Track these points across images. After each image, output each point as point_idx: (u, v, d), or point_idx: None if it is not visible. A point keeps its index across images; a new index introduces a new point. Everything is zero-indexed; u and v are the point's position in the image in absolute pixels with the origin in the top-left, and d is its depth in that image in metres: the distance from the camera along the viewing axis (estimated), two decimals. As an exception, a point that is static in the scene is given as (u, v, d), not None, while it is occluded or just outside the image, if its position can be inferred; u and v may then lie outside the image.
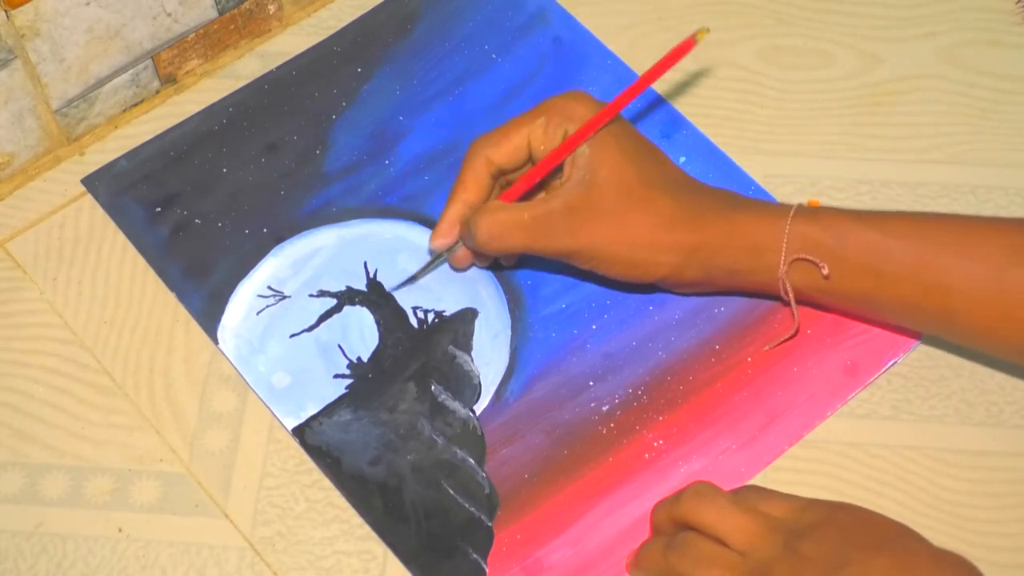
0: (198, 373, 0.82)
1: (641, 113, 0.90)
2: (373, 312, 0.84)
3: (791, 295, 0.79)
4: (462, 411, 0.81)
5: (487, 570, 0.76)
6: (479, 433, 0.80)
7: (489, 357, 0.83)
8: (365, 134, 0.90)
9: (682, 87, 0.92)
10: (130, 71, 0.88)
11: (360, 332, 0.83)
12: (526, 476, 0.79)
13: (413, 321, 0.83)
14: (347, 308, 0.84)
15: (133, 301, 0.84)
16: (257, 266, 0.85)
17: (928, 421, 0.81)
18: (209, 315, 0.83)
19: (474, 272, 0.85)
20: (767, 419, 0.81)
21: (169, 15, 0.87)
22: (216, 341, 0.82)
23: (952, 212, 0.83)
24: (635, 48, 0.93)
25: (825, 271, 0.77)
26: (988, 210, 0.87)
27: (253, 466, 0.80)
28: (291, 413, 0.81)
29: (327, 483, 0.79)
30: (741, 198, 0.81)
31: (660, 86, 0.91)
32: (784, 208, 0.78)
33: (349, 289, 0.85)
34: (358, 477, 0.79)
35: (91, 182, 0.87)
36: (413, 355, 0.82)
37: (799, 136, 0.90)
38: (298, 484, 0.79)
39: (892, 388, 0.82)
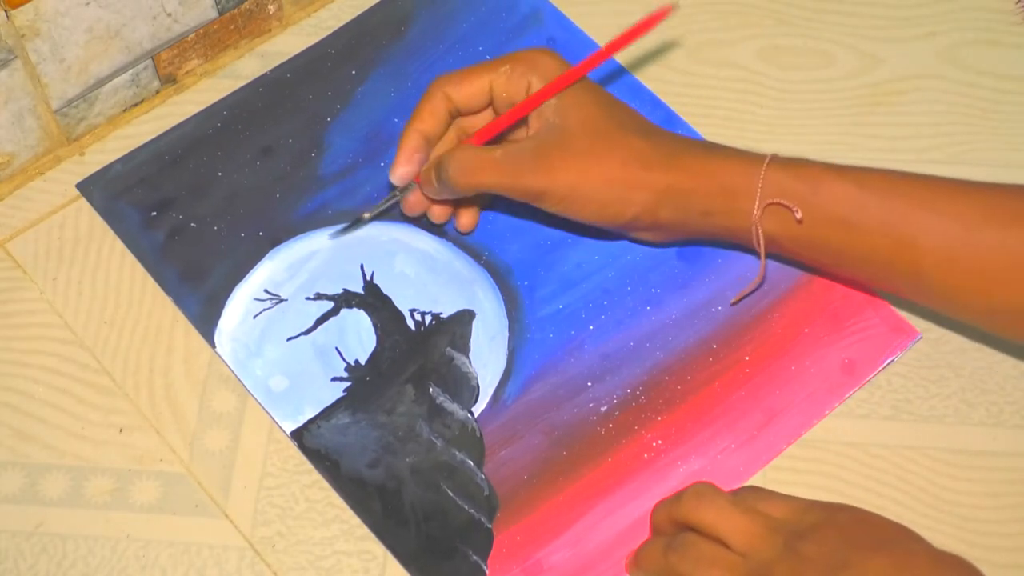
0: (198, 373, 0.82)
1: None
2: (370, 315, 0.84)
3: (762, 242, 0.79)
4: (460, 413, 0.81)
5: (487, 571, 0.76)
6: (478, 435, 0.80)
7: (487, 359, 0.83)
8: (360, 136, 0.90)
9: (682, 87, 0.92)
10: (130, 71, 0.88)
11: (357, 335, 0.83)
12: (525, 477, 0.79)
13: (410, 323, 0.84)
14: (344, 311, 0.84)
15: (133, 301, 0.84)
16: (253, 269, 0.85)
17: (928, 421, 0.81)
18: (206, 319, 0.83)
19: (471, 274, 0.85)
20: (766, 418, 0.81)
21: (169, 15, 0.87)
22: (213, 345, 0.83)
23: None
24: (634, 48, 0.93)
25: (799, 215, 0.76)
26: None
27: (253, 466, 0.80)
28: (289, 416, 0.81)
29: (327, 483, 0.79)
30: (716, 144, 0.81)
31: (658, 86, 0.91)
32: (760, 156, 0.78)
33: (346, 292, 0.85)
34: (357, 480, 0.79)
35: (86, 187, 0.87)
36: (411, 357, 0.82)
37: (799, 136, 0.90)
38: (298, 484, 0.79)
39: (892, 388, 0.82)
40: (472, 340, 0.83)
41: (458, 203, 0.85)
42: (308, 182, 0.88)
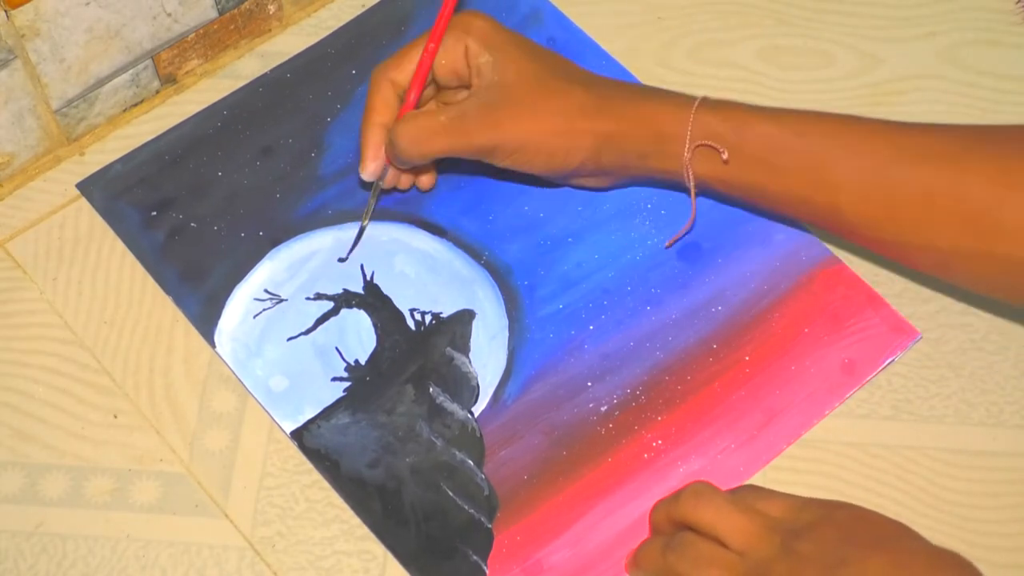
0: (198, 373, 0.82)
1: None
2: (370, 315, 0.84)
3: (692, 183, 0.81)
4: (460, 413, 0.81)
5: (487, 571, 0.76)
6: (478, 435, 0.80)
7: (487, 359, 0.83)
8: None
9: (682, 87, 0.91)
10: (130, 71, 0.88)
11: (357, 335, 0.83)
12: (525, 477, 0.79)
13: (410, 323, 0.84)
14: (344, 311, 0.84)
15: (133, 301, 0.84)
16: (253, 269, 0.85)
17: (928, 421, 0.81)
18: (206, 319, 0.83)
19: (471, 274, 0.85)
20: (765, 418, 0.81)
21: (169, 15, 0.87)
22: (213, 345, 0.83)
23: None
24: (635, 49, 0.93)
25: (725, 156, 0.79)
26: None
27: (253, 466, 0.80)
28: (289, 416, 0.81)
29: (327, 483, 0.79)
30: (650, 88, 0.84)
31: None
32: (691, 98, 0.80)
33: (346, 292, 0.85)
34: (357, 480, 0.79)
35: (86, 187, 0.87)
36: (411, 357, 0.82)
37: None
38: (298, 484, 0.79)
39: (892, 388, 0.82)
40: (472, 340, 0.83)
41: (416, 167, 0.86)
42: (308, 182, 0.88)
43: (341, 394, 0.81)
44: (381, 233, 0.87)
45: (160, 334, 0.83)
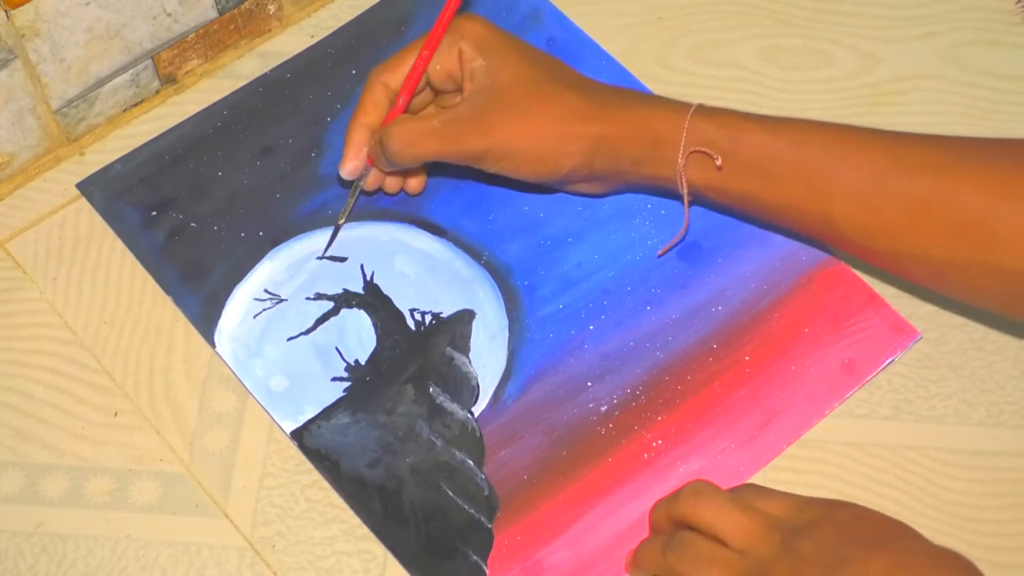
0: (198, 373, 0.82)
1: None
2: (370, 315, 0.84)
3: (686, 190, 0.80)
4: (460, 413, 0.81)
5: (487, 571, 0.76)
6: (478, 435, 0.80)
7: (487, 359, 0.83)
8: (360, 136, 0.90)
9: (682, 87, 0.92)
10: (130, 71, 0.88)
11: (357, 335, 0.83)
12: (525, 477, 0.79)
13: (410, 323, 0.84)
14: (344, 311, 0.84)
15: (133, 301, 0.84)
16: (253, 269, 0.85)
17: (928, 421, 0.81)
18: (206, 319, 0.83)
19: (471, 274, 0.85)
20: (765, 418, 0.81)
21: (169, 15, 0.87)
22: (213, 345, 0.83)
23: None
24: (634, 49, 0.93)
25: (718, 162, 0.79)
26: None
27: (253, 466, 0.80)
28: (289, 416, 0.81)
29: (327, 483, 0.79)
30: (645, 95, 0.84)
31: (658, 87, 0.91)
32: (686, 105, 0.80)
33: (346, 292, 0.85)
34: (357, 480, 0.79)
35: (86, 187, 0.87)
36: (411, 357, 0.82)
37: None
38: (298, 484, 0.79)
39: (892, 388, 0.82)
40: (472, 340, 0.83)
41: (406, 169, 0.86)
42: (308, 182, 0.88)
43: (341, 394, 0.81)
44: (381, 233, 0.87)
45: (160, 334, 0.83)
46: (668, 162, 0.80)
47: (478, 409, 0.81)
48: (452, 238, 0.86)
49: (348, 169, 0.83)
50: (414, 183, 0.87)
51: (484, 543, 0.77)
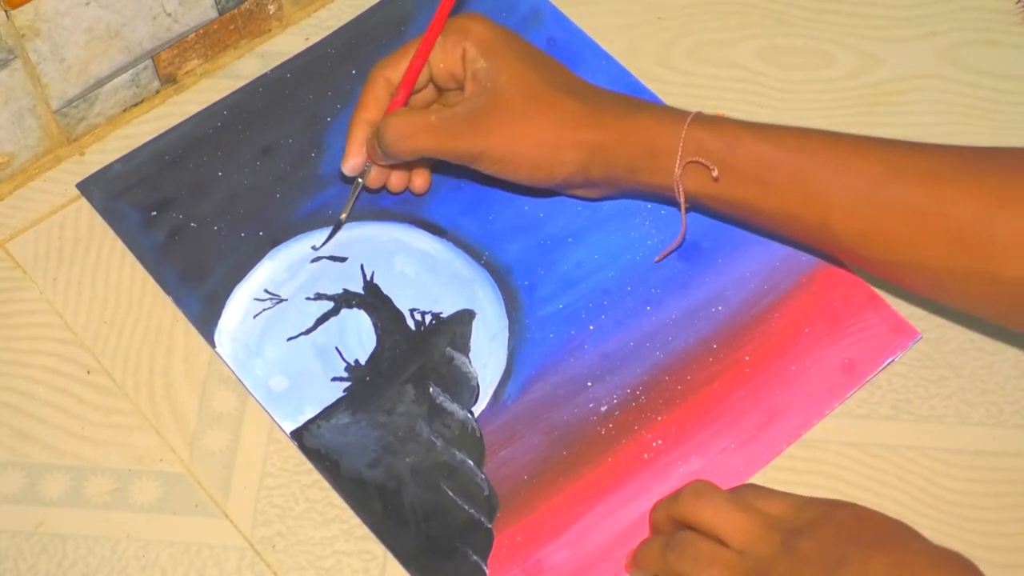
0: (198, 373, 0.82)
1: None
2: (370, 315, 0.84)
3: (683, 199, 0.81)
4: (460, 413, 0.81)
5: (487, 571, 0.76)
6: (478, 435, 0.80)
7: (487, 359, 0.83)
8: (360, 136, 0.90)
9: (682, 87, 0.92)
10: (130, 71, 0.88)
11: (357, 335, 0.83)
12: (525, 477, 0.79)
13: (410, 323, 0.84)
14: (344, 311, 0.84)
15: (133, 301, 0.84)
16: (253, 269, 0.85)
17: (928, 421, 0.81)
18: (206, 319, 0.83)
19: (471, 274, 0.85)
20: (765, 418, 0.81)
21: (169, 15, 0.87)
22: (213, 345, 0.83)
23: None
24: (634, 49, 0.93)
25: (715, 173, 0.79)
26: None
27: (253, 466, 0.80)
28: (289, 416, 0.81)
29: (327, 483, 0.79)
30: (643, 101, 0.84)
31: (658, 86, 0.91)
32: (683, 113, 0.80)
33: (346, 292, 0.85)
34: (357, 480, 0.79)
35: (86, 187, 0.87)
36: (411, 357, 0.82)
37: (799, 135, 0.90)
38: (298, 484, 0.79)
39: (892, 388, 0.82)
40: (472, 340, 0.83)
41: (409, 167, 0.86)
42: (308, 182, 0.88)
43: (341, 394, 0.81)
44: (381, 233, 0.87)
45: (160, 334, 0.83)
46: (665, 171, 0.80)
47: (478, 409, 0.81)
48: (452, 238, 0.86)
49: (349, 165, 0.83)
50: (419, 181, 0.87)
51: (484, 543, 0.77)
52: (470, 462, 0.79)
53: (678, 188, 0.80)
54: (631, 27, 0.94)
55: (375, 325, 0.84)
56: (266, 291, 0.84)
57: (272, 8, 0.92)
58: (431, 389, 0.81)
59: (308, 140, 0.89)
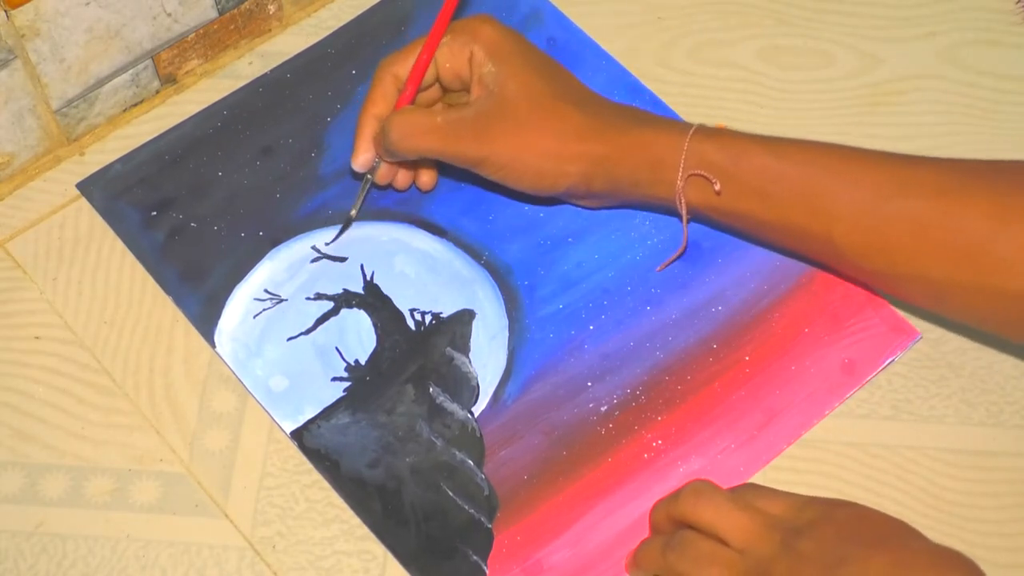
0: (198, 373, 0.82)
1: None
2: (370, 315, 0.84)
3: (685, 211, 0.80)
4: (460, 413, 0.81)
5: (487, 571, 0.76)
6: (478, 435, 0.80)
7: (487, 358, 0.83)
8: (360, 136, 0.90)
9: (682, 87, 0.92)
10: (130, 71, 0.88)
11: (357, 335, 0.83)
12: (525, 477, 0.79)
13: (410, 323, 0.84)
14: (344, 311, 0.84)
15: (133, 301, 0.84)
16: (253, 269, 0.85)
17: (928, 421, 0.81)
18: (206, 319, 0.83)
19: (471, 274, 0.85)
20: (765, 418, 0.81)
21: (169, 15, 0.87)
22: (213, 345, 0.83)
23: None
24: (634, 49, 0.93)
25: (717, 187, 0.79)
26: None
27: (253, 466, 0.80)
28: (289, 416, 0.81)
29: (327, 483, 0.79)
30: (647, 114, 0.84)
31: (658, 86, 0.91)
32: (686, 126, 0.80)
33: (346, 292, 0.85)
34: (357, 480, 0.79)
35: (86, 187, 0.87)
36: (411, 357, 0.82)
37: (799, 136, 0.90)
38: (298, 484, 0.79)
39: (892, 388, 0.82)
40: (472, 340, 0.83)
41: (415, 164, 0.86)
42: (308, 182, 0.88)
43: (341, 394, 0.81)
44: (381, 233, 0.87)
45: (160, 334, 0.83)
46: (667, 184, 0.80)
47: (478, 409, 0.81)
48: (452, 238, 0.86)
49: (360, 161, 0.83)
50: (426, 178, 0.87)
51: (484, 543, 0.77)
52: (470, 462, 0.79)
53: (680, 201, 0.80)
54: (631, 27, 0.94)
55: (375, 325, 0.83)
56: (266, 291, 0.84)
57: (272, 8, 0.92)
58: (431, 389, 0.81)
59: (308, 140, 0.89)
